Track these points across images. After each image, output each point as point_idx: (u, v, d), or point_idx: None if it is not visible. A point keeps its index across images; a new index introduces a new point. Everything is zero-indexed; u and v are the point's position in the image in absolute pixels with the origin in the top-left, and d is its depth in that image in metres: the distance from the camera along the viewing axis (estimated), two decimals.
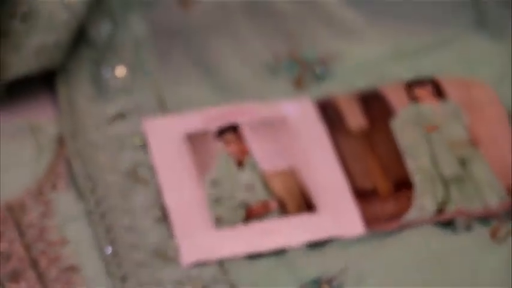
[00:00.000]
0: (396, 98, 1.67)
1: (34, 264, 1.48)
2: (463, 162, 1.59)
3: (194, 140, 1.62)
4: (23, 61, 1.65)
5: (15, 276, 1.46)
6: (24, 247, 1.50)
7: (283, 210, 1.55)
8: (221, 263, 1.49)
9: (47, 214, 1.54)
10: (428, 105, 1.66)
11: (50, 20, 1.64)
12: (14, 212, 1.53)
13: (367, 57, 1.74)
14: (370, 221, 1.53)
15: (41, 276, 1.47)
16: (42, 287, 1.46)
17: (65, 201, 1.56)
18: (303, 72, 1.73)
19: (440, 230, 1.53)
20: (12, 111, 1.67)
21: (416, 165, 1.59)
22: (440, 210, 1.54)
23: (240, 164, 1.59)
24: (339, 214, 1.54)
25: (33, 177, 1.58)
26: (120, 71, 1.70)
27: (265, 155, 1.60)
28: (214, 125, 1.63)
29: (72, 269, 1.48)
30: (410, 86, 1.68)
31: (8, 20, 1.65)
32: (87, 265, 1.49)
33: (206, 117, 1.64)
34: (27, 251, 1.49)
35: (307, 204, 1.55)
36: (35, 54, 1.65)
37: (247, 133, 1.62)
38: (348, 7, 1.77)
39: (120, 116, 1.66)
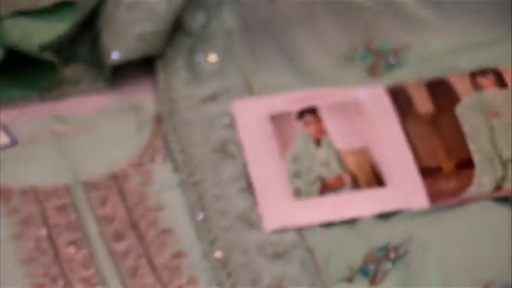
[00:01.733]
0: (461, 86, 1.70)
1: (134, 226, 1.55)
2: None
3: (277, 120, 1.67)
4: (127, 48, 1.71)
5: (117, 237, 1.54)
6: (126, 211, 1.57)
7: (355, 184, 1.60)
8: (299, 230, 1.54)
9: (146, 183, 1.60)
10: (491, 93, 1.70)
11: (151, 11, 1.70)
12: (118, 180, 1.60)
13: (435, 49, 1.77)
14: (433, 195, 1.58)
15: (140, 237, 1.54)
16: (141, 246, 1.52)
17: (162, 172, 1.62)
18: (376, 61, 1.77)
19: (497, 205, 1.58)
20: (117, 92, 1.72)
21: (477, 147, 1.63)
22: (497, 188, 1.59)
23: (317, 142, 1.64)
24: (405, 189, 1.59)
25: (135, 150, 1.64)
26: (212, 57, 1.75)
27: (340, 134, 1.65)
28: (296, 108, 1.68)
29: (167, 231, 1.55)
30: (474, 76, 1.71)
31: (114, 9, 1.72)
32: (180, 229, 1.55)
33: (288, 100, 1.69)
34: (129, 215, 1.57)
35: (377, 180, 1.61)
36: (136, 41, 1.71)
37: (324, 115, 1.67)
38: (419, 2, 1.80)
39: (211, 97, 1.72)
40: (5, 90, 1.72)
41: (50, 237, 1.53)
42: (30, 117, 1.68)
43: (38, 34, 1.66)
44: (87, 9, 1.73)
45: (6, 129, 1.66)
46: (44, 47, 1.67)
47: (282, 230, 1.56)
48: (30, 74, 1.71)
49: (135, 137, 1.68)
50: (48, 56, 1.67)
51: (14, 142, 1.64)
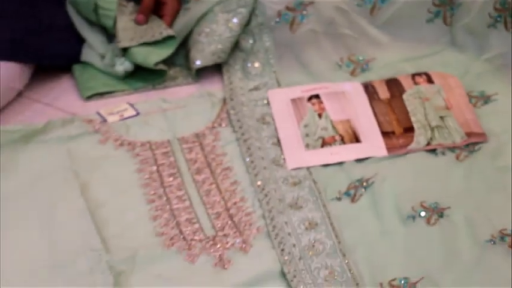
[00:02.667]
0: (406, 83, 1.64)
1: (208, 165, 1.50)
2: (441, 118, 1.57)
3: (295, 102, 1.60)
4: (205, 59, 1.66)
5: (198, 171, 1.48)
6: (203, 156, 1.51)
7: (342, 141, 1.54)
8: (308, 169, 1.49)
9: (216, 139, 1.55)
10: (424, 86, 1.63)
11: (220, 37, 1.65)
12: (199, 137, 1.55)
13: (390, 60, 1.71)
14: (390, 148, 1.53)
15: (212, 172, 1.49)
16: (212, 177, 1.47)
17: (225, 132, 1.56)
18: (355, 67, 1.70)
19: (427, 154, 1.52)
20: (199, 84, 1.68)
21: (416, 119, 1.57)
22: (428, 144, 1.53)
23: (319, 115, 1.57)
24: (373, 144, 1.54)
25: (210, 119, 1.59)
26: (256, 65, 1.69)
27: (333, 111, 1.58)
28: (306, 94, 1.61)
29: (228, 168, 1.50)
30: (414, 76, 1.65)
31: (198, 36, 1.66)
32: (236, 167, 1.50)
33: (302, 90, 1.62)
34: (205, 158, 1.51)
35: (355, 138, 1.55)
36: (211, 55, 1.65)
37: (324, 99, 1.60)
38: (380, 32, 1.73)
39: (255, 88, 1.65)
40: (133, 84, 1.68)
41: (158, 171, 1.49)
42: (147, 99, 1.64)
43: (153, 56, 1.63)
44: (181, 39, 1.68)
45: (132, 106, 1.61)
46: (157, 63, 1.63)
47: (298, 169, 1.50)
48: (148, 75, 1.67)
49: (210, 112, 1.61)
50: (160, 66, 1.65)
51: (137, 114, 1.60)
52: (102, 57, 1.68)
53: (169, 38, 1.66)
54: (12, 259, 1.33)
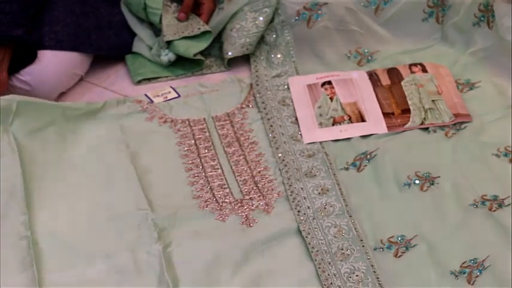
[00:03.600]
0: (404, 71, 1.60)
1: (237, 139, 1.48)
2: (433, 101, 1.54)
3: (311, 87, 1.58)
4: (235, 50, 1.64)
5: (229, 145, 1.47)
6: (233, 132, 1.49)
7: (350, 120, 1.52)
8: (321, 143, 1.47)
9: (244, 117, 1.53)
10: (419, 75, 1.59)
11: (248, 32, 1.63)
12: (230, 116, 1.53)
13: (391, 52, 1.68)
14: (389, 126, 1.50)
15: (240, 145, 1.47)
16: (241, 150, 1.46)
17: (252, 112, 1.54)
18: (361, 58, 1.67)
19: (421, 132, 1.50)
20: (230, 72, 1.66)
21: (412, 102, 1.54)
22: (422, 123, 1.50)
23: (331, 99, 1.55)
24: (375, 122, 1.51)
25: (239, 101, 1.56)
26: (279, 56, 1.66)
27: (343, 95, 1.56)
28: (320, 81, 1.58)
29: (254, 142, 1.48)
30: (411, 66, 1.61)
31: (230, 32, 1.64)
32: (261, 141, 1.48)
33: (317, 77, 1.60)
34: (235, 134, 1.49)
35: (361, 118, 1.52)
36: (241, 47, 1.63)
37: (335, 85, 1.57)
38: (383, 30, 1.69)
39: (278, 76, 1.62)
40: (175, 71, 1.67)
41: (195, 144, 1.48)
42: (187, 84, 1.62)
43: (193, 48, 1.63)
44: (215, 33, 1.67)
45: (174, 90, 1.60)
46: (196, 54, 1.63)
47: (312, 143, 1.48)
48: (188, 64, 1.66)
49: (239, 95, 1.59)
50: (198, 57, 1.64)
51: (178, 96, 1.58)
52: (150, 48, 1.68)
53: (206, 33, 1.65)
54: (76, 212, 1.33)
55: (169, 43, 1.64)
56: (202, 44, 1.65)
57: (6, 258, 1.24)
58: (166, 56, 1.65)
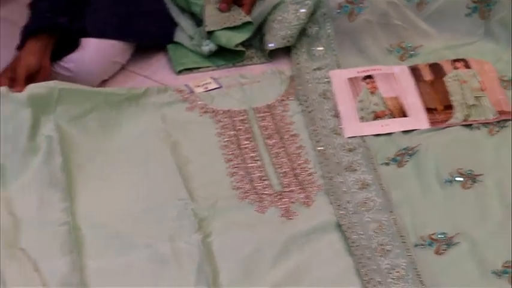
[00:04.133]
0: (447, 67, 1.59)
1: (278, 132, 1.48)
2: (477, 98, 1.53)
3: (352, 81, 1.57)
4: (277, 42, 1.64)
5: (269, 137, 1.47)
6: (274, 124, 1.49)
7: (392, 115, 1.51)
8: (362, 137, 1.47)
9: (285, 110, 1.53)
10: (462, 71, 1.58)
11: (289, 24, 1.64)
12: (271, 108, 1.53)
13: (433, 48, 1.67)
14: (432, 122, 1.50)
15: (280, 137, 1.47)
16: (281, 142, 1.46)
17: (293, 105, 1.54)
18: (404, 53, 1.66)
19: (464, 128, 1.49)
20: (271, 64, 1.66)
21: (455, 98, 1.53)
22: (465, 119, 1.50)
23: (372, 93, 1.54)
24: (417, 118, 1.50)
25: (279, 93, 1.56)
26: (320, 48, 1.66)
27: (384, 89, 1.55)
28: (362, 75, 1.58)
29: (295, 135, 1.48)
30: (454, 62, 1.60)
31: (271, 23, 1.65)
32: (301, 134, 1.48)
33: (358, 71, 1.59)
34: (275, 126, 1.49)
35: (403, 113, 1.51)
36: (282, 39, 1.64)
37: (376, 79, 1.57)
38: (426, 25, 1.69)
39: (318, 68, 1.62)
40: (217, 62, 1.67)
41: (236, 135, 1.48)
42: (228, 75, 1.63)
43: (234, 39, 1.64)
44: (257, 25, 1.68)
45: (215, 80, 1.60)
46: (237, 45, 1.64)
47: (353, 137, 1.48)
48: (229, 54, 1.67)
49: (280, 87, 1.59)
50: (239, 48, 1.65)
51: (219, 87, 1.58)
52: (191, 38, 1.68)
53: (248, 23, 1.66)
54: (117, 200, 1.34)
55: (210, 33, 1.65)
56: (244, 35, 1.65)
57: (49, 242, 1.25)
58: (207, 47, 1.65)
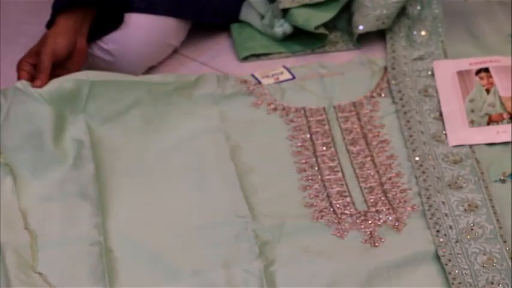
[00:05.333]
0: None
1: (364, 136, 1.48)
2: None
3: (462, 75, 1.57)
4: (368, 24, 1.66)
5: (353, 142, 1.48)
6: (359, 127, 1.50)
7: (511, 119, 1.50)
8: (471, 146, 1.46)
9: (374, 109, 1.53)
10: None
11: (386, 2, 1.66)
12: (356, 106, 1.53)
13: None
14: None
15: (367, 144, 1.47)
16: (368, 150, 1.46)
17: (384, 103, 1.55)
18: None
19: None
20: (360, 51, 1.68)
21: None
22: None
23: (487, 91, 1.53)
24: None
25: (369, 88, 1.57)
26: (423, 33, 1.67)
27: (503, 87, 1.54)
28: (475, 67, 1.58)
29: (385, 141, 1.48)
30: None
31: (363, 0, 1.67)
32: (394, 140, 1.48)
33: (470, 63, 1.59)
34: (361, 129, 1.50)
35: None
36: (375, 20, 1.66)
37: (494, 73, 1.56)
38: None
39: (420, 58, 1.63)
40: (291, 47, 1.69)
41: (311, 139, 1.49)
42: (304, 63, 1.64)
43: (315, 19, 1.65)
44: (344, 1, 1.69)
45: (288, 70, 1.61)
46: (318, 27, 1.65)
47: (460, 146, 1.47)
48: (307, 38, 1.69)
49: (369, 80, 1.60)
50: (321, 30, 1.66)
51: (293, 78, 1.59)
52: (262, 17, 1.70)
53: (332, 0, 1.66)
54: (161, 217, 1.36)
55: (285, 12, 1.66)
56: (327, 15, 1.66)
57: (74, 266, 1.27)
58: (281, 28, 1.67)
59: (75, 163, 1.41)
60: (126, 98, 1.49)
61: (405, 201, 1.38)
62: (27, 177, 1.39)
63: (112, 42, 1.56)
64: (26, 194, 1.37)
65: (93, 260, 1.28)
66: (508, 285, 1.25)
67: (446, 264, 1.28)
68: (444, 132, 1.49)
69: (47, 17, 1.53)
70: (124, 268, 1.28)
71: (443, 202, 1.37)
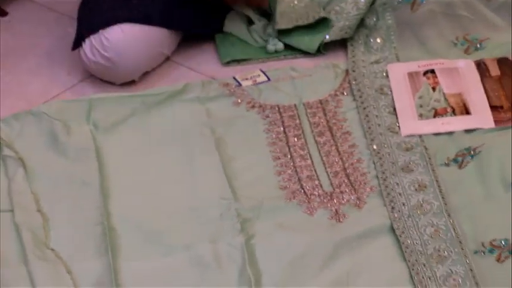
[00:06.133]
0: None
1: (330, 129, 1.48)
2: None
3: (412, 75, 1.57)
4: (333, 34, 1.67)
5: (320, 134, 1.47)
6: (325, 121, 1.50)
7: (453, 113, 1.50)
8: (421, 136, 1.46)
9: (338, 106, 1.53)
10: None
11: (348, 15, 1.65)
12: (322, 103, 1.53)
13: (502, 41, 1.65)
14: (497, 121, 1.48)
15: (332, 135, 1.47)
16: (333, 140, 1.46)
17: (347, 100, 1.54)
18: (469, 46, 1.66)
19: None
20: (325, 57, 1.67)
21: None
22: None
23: (433, 89, 1.54)
24: (482, 116, 1.49)
25: (333, 88, 1.57)
26: (378, 40, 1.67)
27: (446, 85, 1.54)
28: (422, 69, 1.58)
29: (348, 133, 1.48)
30: None
31: (328, 13, 1.67)
32: (355, 131, 1.49)
33: (419, 65, 1.59)
34: (327, 123, 1.49)
35: (466, 110, 1.50)
36: (339, 31, 1.66)
37: (438, 74, 1.56)
38: (495, 16, 1.69)
39: (376, 62, 1.63)
40: (266, 53, 1.70)
41: (284, 132, 1.49)
42: (278, 67, 1.64)
43: (314, 41, 1.67)
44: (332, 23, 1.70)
45: (264, 73, 1.61)
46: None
47: (411, 136, 1.47)
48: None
49: (333, 81, 1.60)
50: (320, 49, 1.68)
51: (268, 80, 1.60)
52: (253, 32, 1.71)
53: (323, 19, 1.68)
54: (156, 200, 1.36)
55: (280, 32, 1.67)
56: (321, 34, 1.67)
57: (82, 243, 1.28)
58: (274, 46, 1.68)
59: (80, 158, 1.41)
60: (123, 110, 1.50)
61: (365, 183, 1.39)
62: (37, 167, 1.40)
63: (112, 50, 1.55)
64: (37, 182, 1.38)
65: (97, 237, 1.29)
66: (452, 252, 1.26)
67: (400, 236, 1.29)
68: (397, 124, 1.49)
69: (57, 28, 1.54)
70: (125, 244, 1.29)
71: (397, 183, 1.38)
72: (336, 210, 1.34)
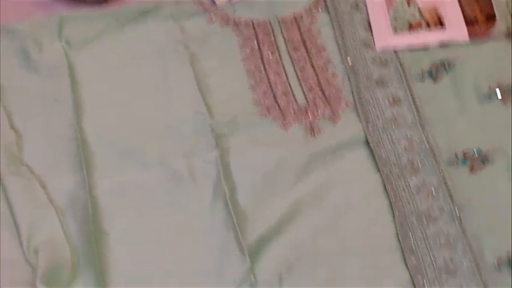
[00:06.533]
0: None
1: (304, 44, 1.41)
2: None
3: None
4: None
5: (294, 50, 1.40)
6: (300, 35, 1.43)
7: (428, 26, 1.44)
8: (396, 52, 1.40)
9: (313, 21, 1.45)
10: None
11: None
12: (297, 19, 1.45)
13: None
14: (471, 34, 1.42)
15: (307, 50, 1.40)
16: (307, 56, 1.39)
17: (322, 17, 1.45)
18: None
19: (508, 42, 1.41)
20: None
21: (497, 8, 1.45)
22: (507, 30, 1.42)
23: (408, 4, 1.47)
24: (456, 29, 1.43)
25: (308, 3, 1.47)
26: None
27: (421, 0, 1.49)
28: None
29: (323, 48, 1.41)
30: None
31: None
32: (329, 47, 1.41)
33: None
34: (301, 37, 1.42)
35: (440, 24, 1.44)
36: None
37: None
38: None
39: None
40: None
41: (259, 47, 1.42)
42: None
43: None
44: None
45: None
46: None
47: (385, 50, 1.41)
48: None
49: None
50: None
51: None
52: None
53: None
54: (131, 116, 1.31)
55: None
56: None
57: (52, 160, 1.24)
58: None
59: (52, 75, 1.34)
60: (95, 27, 1.41)
61: (340, 98, 1.34)
62: (9, 85, 1.33)
63: None
64: (9, 99, 1.32)
65: (71, 153, 1.25)
66: (425, 164, 1.22)
67: (374, 148, 1.26)
68: (372, 39, 1.43)
69: None
70: (99, 160, 1.25)
71: (371, 97, 1.33)
72: (311, 124, 1.30)
